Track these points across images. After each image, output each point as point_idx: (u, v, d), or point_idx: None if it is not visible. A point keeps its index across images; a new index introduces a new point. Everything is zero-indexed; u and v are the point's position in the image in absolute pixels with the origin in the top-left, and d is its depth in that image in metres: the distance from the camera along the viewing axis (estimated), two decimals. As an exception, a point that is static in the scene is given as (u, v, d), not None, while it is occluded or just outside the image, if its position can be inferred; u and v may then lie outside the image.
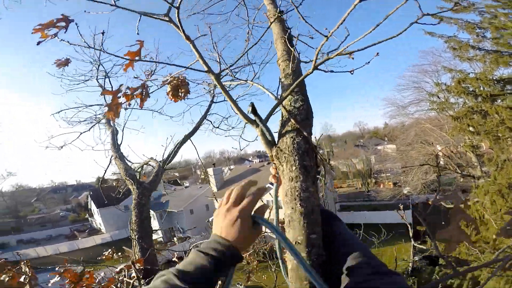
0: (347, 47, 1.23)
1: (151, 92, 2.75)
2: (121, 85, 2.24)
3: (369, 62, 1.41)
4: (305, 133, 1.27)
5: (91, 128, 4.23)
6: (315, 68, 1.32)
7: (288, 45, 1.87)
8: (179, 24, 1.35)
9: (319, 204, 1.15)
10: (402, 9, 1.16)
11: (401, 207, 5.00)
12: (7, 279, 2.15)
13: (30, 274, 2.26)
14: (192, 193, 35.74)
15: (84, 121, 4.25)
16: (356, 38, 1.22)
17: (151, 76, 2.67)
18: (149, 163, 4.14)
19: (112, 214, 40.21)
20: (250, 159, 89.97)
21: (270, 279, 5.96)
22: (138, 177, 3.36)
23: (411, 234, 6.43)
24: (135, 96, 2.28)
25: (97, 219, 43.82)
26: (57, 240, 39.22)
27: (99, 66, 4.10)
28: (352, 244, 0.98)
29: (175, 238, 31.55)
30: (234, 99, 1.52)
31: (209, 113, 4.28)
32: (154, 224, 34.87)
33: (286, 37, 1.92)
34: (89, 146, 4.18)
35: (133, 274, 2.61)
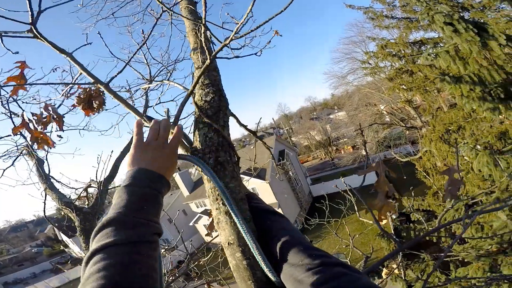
0: (249, 32, 1.17)
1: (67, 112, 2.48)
2: (22, 113, 1.99)
3: (270, 41, 1.38)
4: (216, 127, 1.19)
5: (14, 161, 3.57)
6: (214, 57, 1.25)
7: (200, 37, 1.77)
8: (45, 38, 1.16)
9: (243, 198, 1.10)
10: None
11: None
12: None
13: None
14: (165, 202, 34.28)
15: (4, 155, 3.60)
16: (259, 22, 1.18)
17: (69, 96, 2.40)
18: (92, 185, 3.83)
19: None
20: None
21: None
22: (75, 204, 3.09)
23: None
24: (47, 121, 2.04)
25: (74, 249, 40.91)
26: (43, 276, 37.83)
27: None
28: (288, 241, 0.86)
29: (162, 251, 30.34)
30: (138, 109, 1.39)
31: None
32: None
33: (197, 29, 1.83)
34: (19, 182, 3.61)
35: None
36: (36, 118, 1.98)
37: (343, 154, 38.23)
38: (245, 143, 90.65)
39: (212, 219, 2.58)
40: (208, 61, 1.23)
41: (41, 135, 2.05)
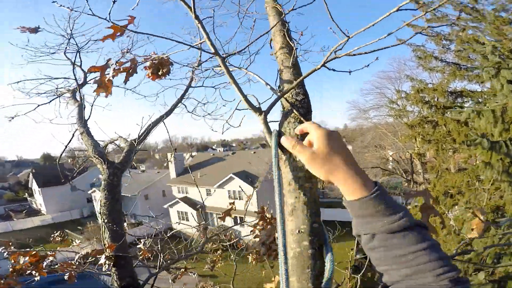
0: (357, 48, 1.30)
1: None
2: (109, 59, 2.11)
3: (368, 65, 1.50)
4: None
5: (51, 101, 4.05)
6: (323, 65, 1.38)
7: (287, 39, 1.90)
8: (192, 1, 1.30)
9: (318, 196, 1.22)
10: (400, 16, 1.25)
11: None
12: None
13: None
14: (149, 178, 34.27)
15: (44, 93, 4.06)
16: (358, 39, 1.30)
17: (126, 54, 2.54)
18: (115, 142, 3.94)
19: (55, 194, 38.03)
20: (214, 147, 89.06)
21: (230, 268, 6.08)
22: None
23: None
24: (122, 71, 2.16)
25: (38, 199, 40.43)
26: None
27: (70, 39, 3.80)
28: None
29: (125, 224, 29.99)
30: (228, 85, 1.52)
31: (185, 97, 4.16)
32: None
33: (285, 30, 1.96)
34: (46, 119, 4.02)
35: (101, 261, 2.48)
36: (118, 65, 2.12)
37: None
38: (245, 146, 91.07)
39: (231, 208, 2.72)
40: (319, 67, 1.37)
41: (107, 81, 2.18)
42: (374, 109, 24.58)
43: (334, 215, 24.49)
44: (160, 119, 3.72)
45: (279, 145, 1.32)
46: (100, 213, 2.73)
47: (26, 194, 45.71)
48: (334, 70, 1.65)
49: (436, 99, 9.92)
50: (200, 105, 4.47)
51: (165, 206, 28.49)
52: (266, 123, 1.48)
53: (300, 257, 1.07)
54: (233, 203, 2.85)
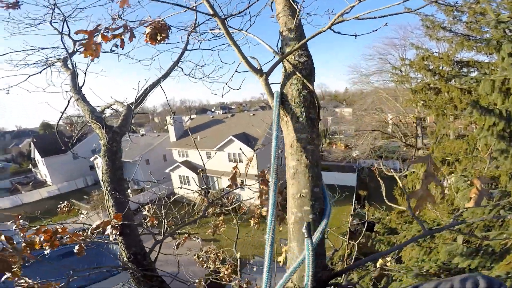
0: (367, 12, 1.21)
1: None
2: (98, 25, 2.01)
3: (376, 30, 1.42)
4: (311, 87, 1.29)
5: (42, 70, 4.04)
6: (330, 27, 1.29)
7: (290, 0, 1.80)
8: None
9: (320, 158, 1.21)
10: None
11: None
12: None
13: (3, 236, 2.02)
14: (149, 142, 34.02)
15: (33, 64, 4.06)
16: (364, 6, 1.22)
17: (117, 20, 2.44)
18: (112, 106, 3.89)
19: (59, 164, 37.91)
20: (213, 109, 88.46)
21: (232, 232, 6.30)
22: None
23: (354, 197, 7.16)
24: (113, 38, 2.06)
25: (42, 170, 40.31)
26: None
27: (54, 8, 3.63)
28: None
29: (129, 191, 30.57)
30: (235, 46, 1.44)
31: (181, 60, 4.04)
32: (105, 174, 33.27)
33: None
34: (38, 88, 4.06)
35: (108, 231, 2.48)
36: (109, 30, 2.02)
37: (334, 149, 38.51)
38: (245, 108, 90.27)
39: (235, 172, 2.73)
40: (325, 28, 1.28)
41: (96, 45, 2.10)
42: (376, 74, 24.53)
43: (333, 178, 25.09)
44: (157, 82, 3.64)
45: (281, 106, 1.30)
46: (102, 180, 2.76)
47: (30, 165, 45.51)
48: (340, 33, 1.56)
49: (441, 67, 9.76)
50: (197, 68, 4.40)
51: (167, 171, 28.80)
52: (267, 84, 1.45)
53: (301, 222, 1.08)
54: (236, 166, 2.83)
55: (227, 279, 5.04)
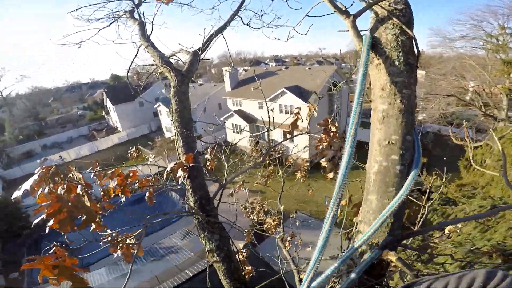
0: None
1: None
2: None
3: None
4: (411, 34, 1.13)
5: (111, 24, 4.24)
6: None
7: None
8: None
9: (415, 106, 1.08)
10: None
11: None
12: (63, 191, 1.78)
13: (83, 182, 1.97)
14: (206, 91, 35.61)
15: (101, 19, 4.24)
16: None
17: None
18: (178, 54, 4.00)
19: (127, 110, 41.84)
20: (266, 62, 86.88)
21: (277, 184, 6.36)
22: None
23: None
24: None
25: (113, 117, 44.86)
26: (78, 142, 41.04)
27: None
28: None
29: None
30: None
31: (241, 9, 3.90)
32: (167, 120, 36.16)
33: None
34: (109, 41, 4.32)
35: (179, 174, 2.48)
36: None
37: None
38: (299, 62, 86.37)
39: (297, 118, 2.63)
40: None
41: None
42: (464, 40, 21.60)
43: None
44: (221, 29, 3.60)
45: (373, 49, 1.18)
46: (172, 120, 2.88)
47: (103, 112, 50.98)
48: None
49: None
50: (256, 17, 4.27)
51: (222, 119, 30.18)
52: (354, 26, 1.31)
53: (385, 173, 1.00)
54: (298, 113, 2.70)
55: (272, 231, 5.24)
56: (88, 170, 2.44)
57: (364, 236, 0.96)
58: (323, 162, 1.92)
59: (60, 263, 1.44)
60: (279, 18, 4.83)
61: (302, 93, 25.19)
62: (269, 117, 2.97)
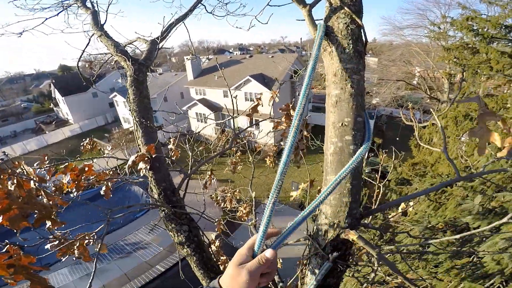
0: None
1: None
2: None
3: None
4: (359, 22, 1.22)
5: (59, 13, 3.97)
6: None
7: None
8: None
9: (364, 90, 1.18)
10: None
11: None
12: (12, 187, 1.60)
13: (35, 177, 1.83)
14: (167, 80, 34.46)
15: (48, 8, 3.95)
16: None
17: None
18: (134, 43, 3.82)
19: (80, 102, 38.62)
20: (231, 50, 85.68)
21: (247, 172, 6.37)
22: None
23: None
24: None
25: (63, 109, 41.30)
26: (23, 136, 36.80)
27: None
28: None
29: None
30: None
31: None
32: (124, 111, 34.17)
33: None
34: (56, 30, 4.02)
35: (140, 166, 2.37)
36: None
37: None
38: (263, 50, 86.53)
39: (257, 104, 2.68)
40: None
41: None
42: (411, 28, 24.06)
43: None
44: (182, 18, 3.48)
45: (326, 37, 1.25)
46: (130, 110, 2.74)
47: (51, 104, 46.18)
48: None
49: (485, 29, 9.33)
50: (220, 5, 4.19)
51: (184, 108, 29.42)
52: (310, 15, 1.37)
53: (341, 153, 1.10)
54: (260, 98, 2.75)
55: (244, 218, 5.30)
56: (35, 165, 2.25)
57: (310, 206, 1.01)
58: (282, 145, 1.99)
59: (16, 262, 1.37)
60: (244, 6, 4.80)
61: (266, 80, 25.48)
62: (233, 105, 2.96)
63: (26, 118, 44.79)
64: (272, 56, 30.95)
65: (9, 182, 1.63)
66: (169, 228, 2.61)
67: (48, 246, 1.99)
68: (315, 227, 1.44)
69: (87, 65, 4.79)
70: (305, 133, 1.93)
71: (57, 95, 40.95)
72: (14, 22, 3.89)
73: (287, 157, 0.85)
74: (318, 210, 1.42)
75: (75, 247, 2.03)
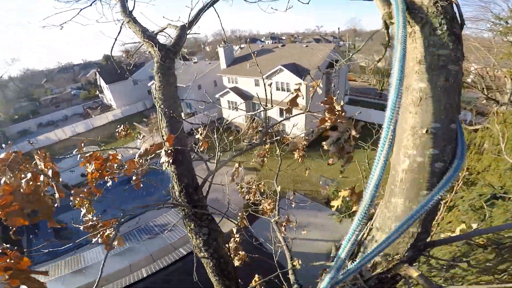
0: None
1: None
2: None
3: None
4: (453, 0, 0.84)
5: (92, 3, 4.09)
6: None
7: None
8: None
9: (461, 87, 0.82)
10: None
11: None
12: (25, 181, 1.56)
13: (52, 170, 1.78)
14: (201, 69, 35.13)
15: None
16: None
17: None
18: (165, 31, 3.70)
19: (121, 89, 42.13)
20: (262, 39, 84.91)
21: (274, 163, 6.12)
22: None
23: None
24: None
25: (107, 95, 45.08)
26: (72, 120, 41.34)
27: None
28: None
29: (182, 114, 32.61)
30: None
31: None
32: (159, 98, 35.72)
33: None
34: (91, 21, 4.23)
35: (163, 160, 2.25)
36: None
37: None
38: (296, 40, 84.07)
39: (296, 95, 2.36)
40: None
41: None
42: (471, 21, 21.14)
43: (382, 118, 23.58)
44: (209, 5, 3.22)
45: (408, 12, 0.90)
46: (155, 98, 2.57)
47: (97, 91, 51.12)
48: None
49: None
50: None
51: (217, 96, 29.77)
52: None
53: (419, 171, 0.73)
54: (299, 89, 2.41)
55: (268, 214, 5.06)
56: (74, 152, 2.35)
57: (378, 247, 0.73)
58: (326, 145, 1.67)
59: (14, 266, 1.25)
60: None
61: (299, 70, 24.69)
62: (266, 94, 2.66)
63: (75, 104, 49.98)
64: (306, 46, 29.83)
65: (22, 175, 1.57)
66: (188, 229, 2.44)
67: (81, 227, 2.21)
68: (360, 254, 1.12)
69: (124, 55, 4.88)
70: (354, 132, 1.59)
71: (101, 83, 44.78)
72: (52, 15, 4.07)
73: (375, 188, 0.57)
74: (364, 234, 1.10)
75: (100, 234, 2.14)
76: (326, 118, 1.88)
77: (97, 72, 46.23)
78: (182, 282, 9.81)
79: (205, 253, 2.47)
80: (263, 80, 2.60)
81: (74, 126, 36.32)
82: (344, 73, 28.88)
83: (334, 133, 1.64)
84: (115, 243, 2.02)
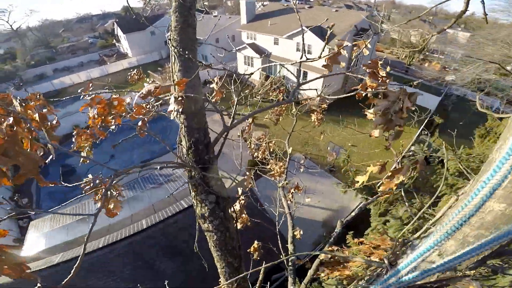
0: None
1: None
2: None
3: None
4: None
5: None
6: None
7: None
8: None
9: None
10: None
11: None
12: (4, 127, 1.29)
13: (37, 114, 1.57)
14: (221, 22, 34.46)
15: None
16: None
17: None
18: None
19: (138, 39, 42.49)
20: (288, -1, 79.35)
21: (289, 121, 5.86)
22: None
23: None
24: None
25: (124, 44, 45.62)
26: (88, 66, 42.05)
27: None
28: None
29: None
30: None
31: None
32: (171, 42, 35.70)
33: None
34: None
35: (171, 108, 1.87)
36: None
37: (426, 66, 34.65)
38: (325, 3, 77.77)
39: (338, 52, 2.01)
40: None
41: None
42: None
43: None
44: None
45: None
46: (169, 39, 2.20)
47: (114, 40, 51.71)
48: None
49: None
50: None
51: (234, 50, 28.84)
52: None
53: None
54: (342, 45, 1.99)
55: (276, 177, 4.85)
56: (79, 91, 2.16)
57: (454, 260, 0.52)
58: (370, 114, 1.41)
59: None
60: None
61: (323, 34, 23.31)
62: (303, 44, 2.25)
63: (91, 52, 50.59)
64: (336, 10, 28.03)
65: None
66: (193, 195, 2.16)
67: (83, 188, 1.98)
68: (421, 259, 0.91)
69: (143, 4, 4.46)
70: (409, 103, 1.30)
71: (119, 32, 45.28)
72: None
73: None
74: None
75: (97, 197, 1.98)
76: (368, 83, 1.58)
77: (115, 22, 46.87)
78: (181, 235, 10.04)
79: (210, 225, 2.18)
80: (303, 32, 2.19)
81: (89, 71, 37.17)
82: (373, 42, 27.22)
83: (381, 102, 1.36)
84: (111, 206, 1.81)
